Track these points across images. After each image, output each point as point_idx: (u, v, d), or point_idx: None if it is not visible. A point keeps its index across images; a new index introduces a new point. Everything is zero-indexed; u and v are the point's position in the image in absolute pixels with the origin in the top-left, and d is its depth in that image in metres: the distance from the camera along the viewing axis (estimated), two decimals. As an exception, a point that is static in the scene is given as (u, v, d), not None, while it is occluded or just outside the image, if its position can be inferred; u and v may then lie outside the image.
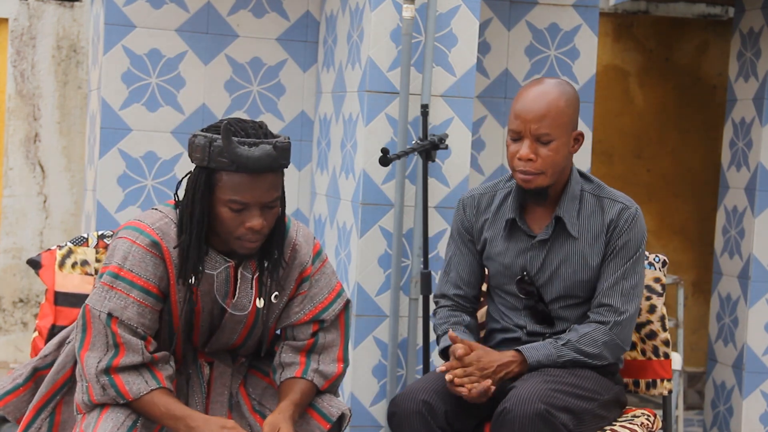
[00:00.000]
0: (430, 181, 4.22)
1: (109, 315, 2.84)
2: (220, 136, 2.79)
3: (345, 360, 3.08)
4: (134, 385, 2.84)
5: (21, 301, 6.02)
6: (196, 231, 2.85)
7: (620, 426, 3.18)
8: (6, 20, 5.94)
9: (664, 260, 3.45)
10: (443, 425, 3.09)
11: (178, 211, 2.92)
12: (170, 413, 2.83)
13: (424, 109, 4.09)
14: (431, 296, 4.15)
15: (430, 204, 4.22)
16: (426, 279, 4.09)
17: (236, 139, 2.79)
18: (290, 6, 4.78)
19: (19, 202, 5.96)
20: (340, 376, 3.07)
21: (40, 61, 5.95)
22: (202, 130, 2.87)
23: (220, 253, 2.94)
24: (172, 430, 2.85)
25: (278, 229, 2.95)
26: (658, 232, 6.67)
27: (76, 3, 6.00)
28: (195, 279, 2.89)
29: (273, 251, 2.95)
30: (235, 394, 3.05)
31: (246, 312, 2.98)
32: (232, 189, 2.80)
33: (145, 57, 4.63)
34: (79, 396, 2.89)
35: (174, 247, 2.88)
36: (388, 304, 4.22)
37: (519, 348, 3.16)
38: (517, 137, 3.17)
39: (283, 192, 2.92)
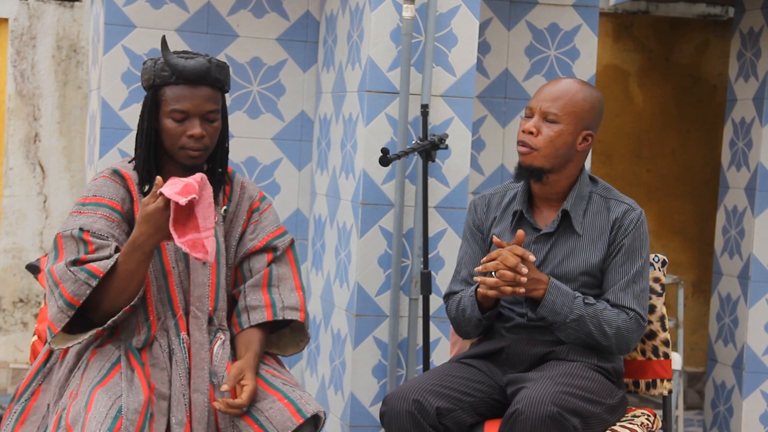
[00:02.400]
0: (430, 181, 4.22)
1: (81, 229, 3.05)
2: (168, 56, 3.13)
3: (302, 288, 3.31)
4: (102, 264, 3.00)
5: (21, 301, 6.02)
6: (146, 142, 3.17)
7: (620, 426, 3.18)
8: (6, 20, 5.94)
9: (664, 260, 3.46)
10: (435, 424, 3.08)
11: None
12: (126, 248, 3.00)
13: (424, 109, 4.09)
14: (431, 296, 4.16)
15: (430, 204, 4.23)
16: (426, 279, 4.09)
17: (175, 53, 3.15)
18: (290, 6, 4.78)
19: (19, 202, 5.96)
20: (305, 302, 3.30)
21: (40, 61, 5.95)
22: (144, 61, 3.20)
23: None
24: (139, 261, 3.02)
25: (221, 148, 3.25)
26: (658, 232, 6.67)
27: (76, 3, 6.00)
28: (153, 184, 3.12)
29: (217, 169, 3.23)
30: (219, 376, 3.11)
31: None
32: (174, 99, 3.12)
33: (145, 57, 4.62)
34: (53, 309, 3.01)
35: (129, 161, 3.21)
36: (388, 304, 4.22)
37: (551, 279, 3.17)
38: (529, 114, 3.28)
39: (225, 113, 3.23)
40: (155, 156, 3.18)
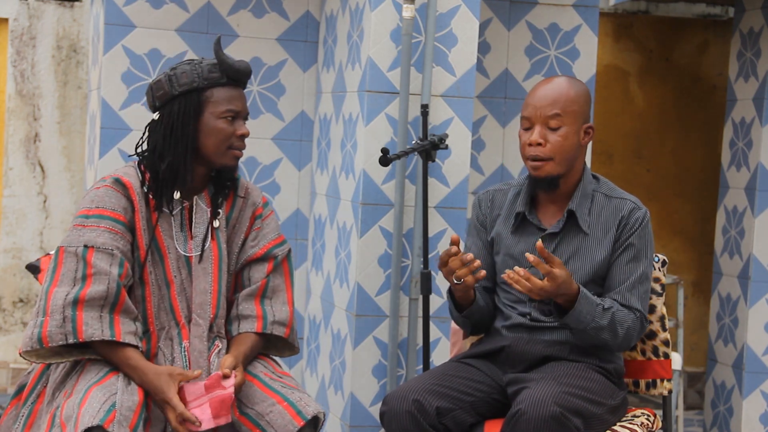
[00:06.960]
0: (430, 181, 4.22)
1: (85, 246, 3.03)
2: (202, 59, 3.17)
3: (293, 302, 3.34)
4: (90, 327, 2.97)
5: (21, 301, 6.02)
6: (183, 147, 3.13)
7: (620, 426, 3.18)
8: (6, 20, 5.94)
9: (664, 260, 3.46)
10: (435, 424, 3.09)
11: (147, 150, 3.18)
12: (126, 363, 3.00)
13: (424, 109, 4.09)
14: (431, 296, 4.16)
15: (430, 204, 4.23)
16: (426, 279, 4.09)
17: (190, 60, 3.17)
18: (290, 6, 4.78)
19: (19, 202, 5.96)
20: (294, 319, 3.31)
21: (40, 61, 5.95)
22: (172, 68, 3.18)
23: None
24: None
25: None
26: (658, 232, 6.67)
27: (76, 3, 6.00)
28: (181, 193, 3.15)
29: (224, 186, 3.26)
30: None
31: (207, 244, 3.19)
32: (226, 100, 3.17)
33: (145, 57, 4.63)
34: (28, 332, 2.99)
35: (158, 171, 3.13)
36: (388, 304, 4.22)
37: (581, 289, 3.12)
38: (528, 125, 3.25)
39: None
40: (191, 160, 3.17)
